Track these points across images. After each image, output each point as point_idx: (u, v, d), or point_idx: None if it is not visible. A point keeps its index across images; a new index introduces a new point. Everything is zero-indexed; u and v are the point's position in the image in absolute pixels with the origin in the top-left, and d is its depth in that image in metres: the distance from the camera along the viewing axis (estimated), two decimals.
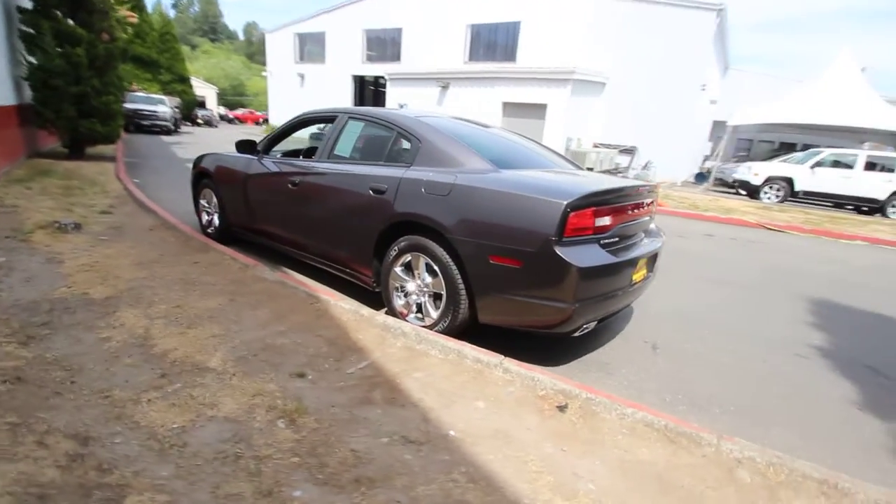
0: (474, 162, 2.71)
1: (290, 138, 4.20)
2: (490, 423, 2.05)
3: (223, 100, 55.22)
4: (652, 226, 3.18)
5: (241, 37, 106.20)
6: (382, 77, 25.10)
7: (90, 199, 5.89)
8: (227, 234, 4.53)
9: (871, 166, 10.86)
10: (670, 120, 15.97)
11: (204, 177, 4.68)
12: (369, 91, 28.06)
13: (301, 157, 4.18)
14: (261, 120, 40.99)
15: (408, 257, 2.83)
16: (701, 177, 17.62)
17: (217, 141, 19.75)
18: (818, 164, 11.24)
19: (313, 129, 15.01)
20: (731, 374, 2.86)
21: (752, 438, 2.07)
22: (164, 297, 3.04)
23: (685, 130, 16.27)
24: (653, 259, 2.93)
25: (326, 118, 3.69)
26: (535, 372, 2.38)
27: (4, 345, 2.19)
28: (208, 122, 32.43)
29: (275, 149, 4.17)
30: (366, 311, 2.98)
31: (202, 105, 41.79)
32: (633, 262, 2.60)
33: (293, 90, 26.07)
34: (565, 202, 2.23)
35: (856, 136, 20.80)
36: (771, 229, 8.10)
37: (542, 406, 2.21)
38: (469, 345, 2.60)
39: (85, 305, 2.79)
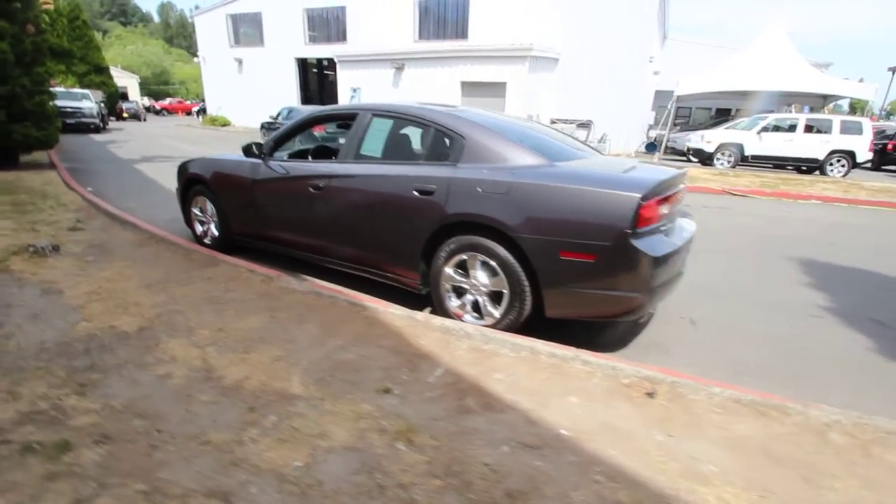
0: (524, 156, 2.69)
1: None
2: (592, 418, 2.10)
3: (146, 90, 50.94)
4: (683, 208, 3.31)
5: (157, 18, 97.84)
6: (326, 60, 24.13)
7: (50, 216, 5.32)
8: (228, 244, 4.25)
9: (808, 129, 11.80)
10: (620, 92, 16.47)
11: (195, 184, 4.34)
12: (313, 75, 26.87)
13: (310, 159, 3.97)
14: (194, 109, 38.24)
15: (462, 257, 2.79)
16: (652, 146, 18.39)
17: (156, 136, 18.33)
18: (764, 129, 12.07)
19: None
20: (769, 341, 3.07)
21: (818, 400, 2.26)
22: (199, 321, 2.83)
23: (634, 102, 16.87)
24: (691, 240, 3.06)
25: (343, 116, 3.50)
26: (614, 361, 2.45)
27: (64, 398, 1.96)
28: (135, 116, 29.94)
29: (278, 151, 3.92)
30: (420, 315, 2.92)
31: (125, 97, 38.44)
32: (684, 246, 2.70)
33: (231, 76, 24.48)
34: (639, 195, 2.27)
35: (784, 99, 22.42)
36: (735, 195, 8.66)
37: (631, 394, 2.28)
38: (540, 340, 2.63)
39: (120, 341, 2.54)
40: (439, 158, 2.91)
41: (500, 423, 2.04)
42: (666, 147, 16.80)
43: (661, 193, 2.46)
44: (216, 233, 4.31)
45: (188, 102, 46.09)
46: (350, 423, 1.96)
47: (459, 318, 2.90)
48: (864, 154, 11.40)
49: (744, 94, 21.03)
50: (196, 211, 4.44)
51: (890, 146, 13.41)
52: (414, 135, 3.21)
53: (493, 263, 2.68)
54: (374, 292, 3.45)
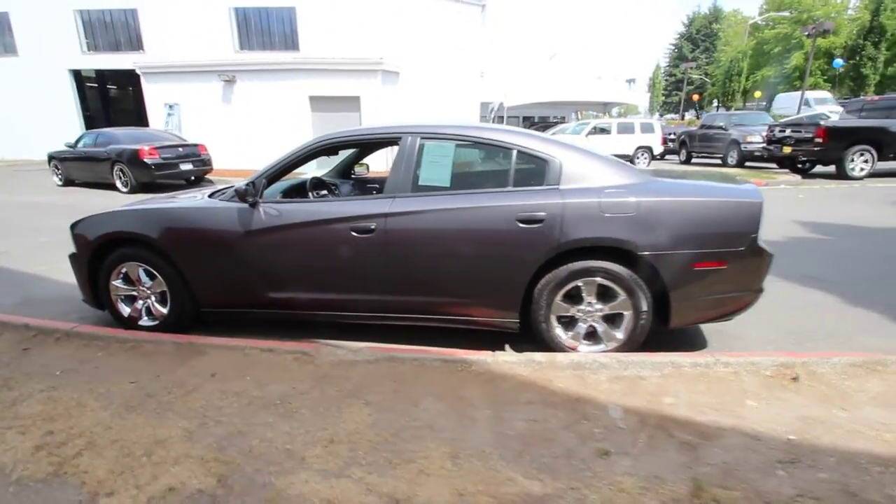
0: (621, 174, 2.64)
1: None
2: (786, 415, 2.18)
3: None
4: None
5: None
6: (109, 72, 19.73)
7: None
8: (186, 321, 3.14)
9: (619, 131, 14.60)
10: (455, 103, 17.64)
11: (118, 246, 3.07)
12: (92, 91, 21.81)
13: (312, 196, 3.20)
14: None
15: (575, 285, 2.60)
16: None
17: None
18: (590, 132, 14.44)
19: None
20: (790, 308, 3.57)
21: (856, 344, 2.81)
22: (290, 440, 2.02)
23: (466, 112, 18.24)
24: None
25: (371, 141, 2.91)
26: (747, 356, 2.60)
27: None
28: None
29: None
30: (540, 356, 2.63)
31: None
32: None
33: None
34: (761, 200, 2.46)
35: (572, 106, 27.05)
36: None
37: (782, 383, 2.45)
38: (673, 353, 2.64)
39: None
40: (528, 183, 2.65)
41: (735, 449, 1.97)
42: None
43: None
44: (163, 310, 3.13)
45: None
46: None
47: (573, 349, 2.71)
48: (658, 148, 14.64)
49: (544, 105, 24.81)
50: (118, 284, 3.14)
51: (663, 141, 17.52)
52: (485, 160, 2.86)
53: (612, 286, 2.57)
54: (421, 341, 2.99)
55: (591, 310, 2.66)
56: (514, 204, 2.55)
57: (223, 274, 2.96)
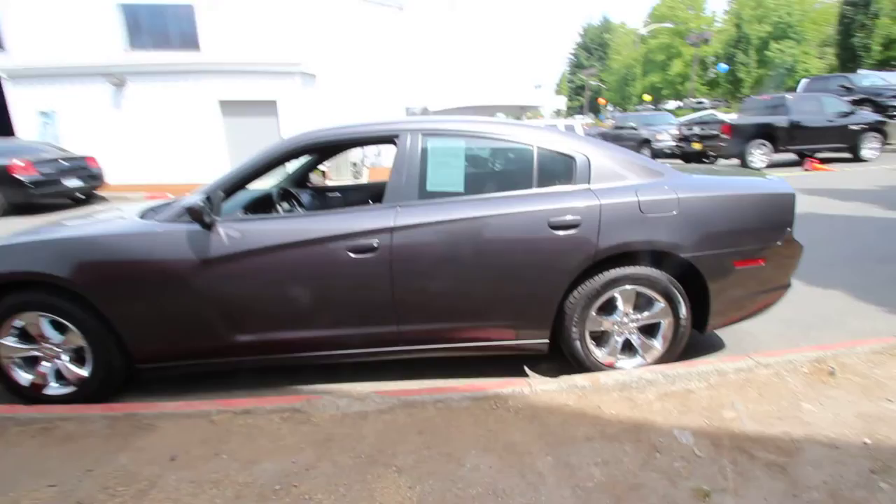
0: (650, 170, 2.40)
1: None
2: (846, 415, 2.07)
3: None
4: None
5: None
6: None
7: None
8: (114, 383, 2.40)
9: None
10: (378, 107, 17.06)
11: (5, 292, 2.24)
12: None
13: (282, 210, 2.59)
14: None
15: (611, 295, 2.31)
16: None
17: None
18: None
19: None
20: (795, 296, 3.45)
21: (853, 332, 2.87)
22: None
23: (392, 117, 17.77)
24: None
25: (365, 139, 2.42)
26: (783, 355, 2.48)
27: None
28: None
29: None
30: (580, 379, 2.29)
31: None
32: None
33: None
34: (794, 192, 2.35)
35: (492, 110, 27.68)
36: None
37: (821, 379, 2.36)
38: (712, 359, 2.45)
39: None
40: (553, 184, 2.31)
41: (823, 464, 1.80)
42: None
43: None
44: (82, 372, 2.35)
45: None
46: None
47: (611, 366, 2.42)
48: None
49: (465, 109, 25.15)
50: (11, 342, 2.30)
51: None
52: (500, 159, 2.46)
53: (651, 293, 2.32)
54: (416, 374, 2.57)
55: (627, 321, 2.39)
56: (544, 208, 2.20)
57: (169, 318, 2.26)
